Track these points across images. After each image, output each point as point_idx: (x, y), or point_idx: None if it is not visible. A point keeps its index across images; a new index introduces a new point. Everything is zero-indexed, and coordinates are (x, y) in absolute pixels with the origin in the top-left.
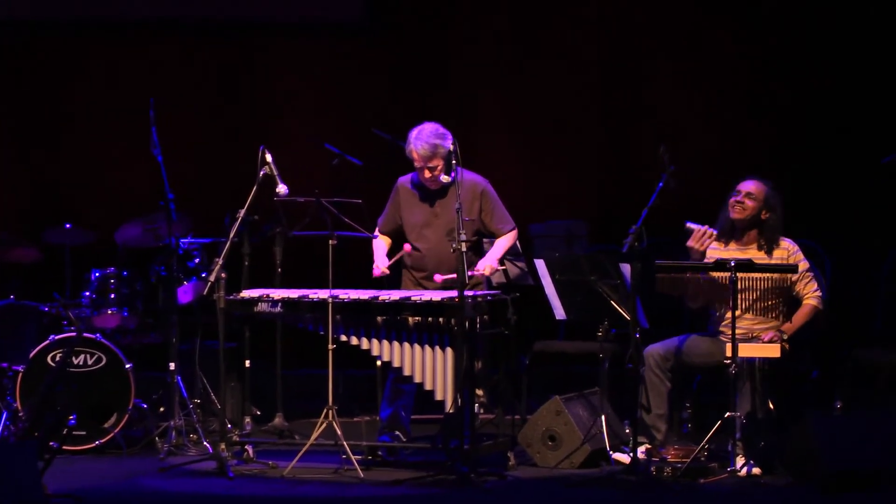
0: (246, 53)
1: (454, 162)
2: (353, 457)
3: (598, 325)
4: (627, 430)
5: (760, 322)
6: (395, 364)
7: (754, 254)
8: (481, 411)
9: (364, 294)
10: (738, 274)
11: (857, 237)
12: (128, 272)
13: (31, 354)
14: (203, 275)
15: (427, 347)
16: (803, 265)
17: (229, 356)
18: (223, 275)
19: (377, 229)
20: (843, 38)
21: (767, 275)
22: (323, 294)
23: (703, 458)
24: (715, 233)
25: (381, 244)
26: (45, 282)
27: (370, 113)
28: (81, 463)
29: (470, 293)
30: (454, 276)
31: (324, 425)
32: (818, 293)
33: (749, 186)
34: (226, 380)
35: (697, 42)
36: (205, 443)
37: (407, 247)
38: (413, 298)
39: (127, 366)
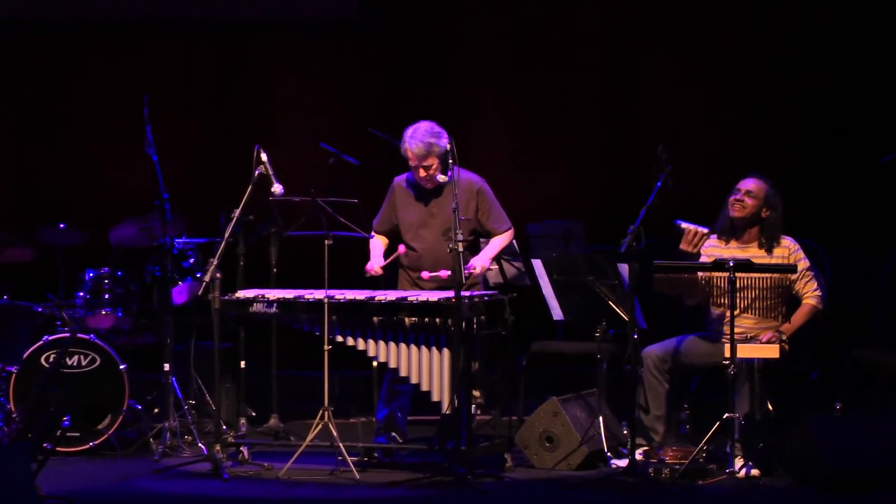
0: (241, 52)
1: (451, 161)
2: (349, 458)
3: (596, 326)
4: (625, 432)
5: (760, 322)
6: (392, 365)
7: (755, 252)
8: (478, 412)
9: (360, 294)
10: (736, 273)
11: (857, 237)
12: (122, 272)
13: (25, 355)
14: (198, 275)
15: (424, 348)
16: (803, 264)
17: (224, 357)
18: (218, 275)
19: (373, 229)
20: (843, 38)
21: (766, 275)
22: (319, 294)
23: (701, 460)
24: (706, 231)
25: (377, 244)
26: (39, 282)
27: (367, 112)
28: (75, 464)
29: (467, 293)
30: (440, 273)
31: (319, 426)
32: (818, 293)
33: (749, 184)
34: (221, 381)
35: (697, 42)
36: (199, 444)
37: (401, 248)
38: (410, 299)
39: (121, 367)
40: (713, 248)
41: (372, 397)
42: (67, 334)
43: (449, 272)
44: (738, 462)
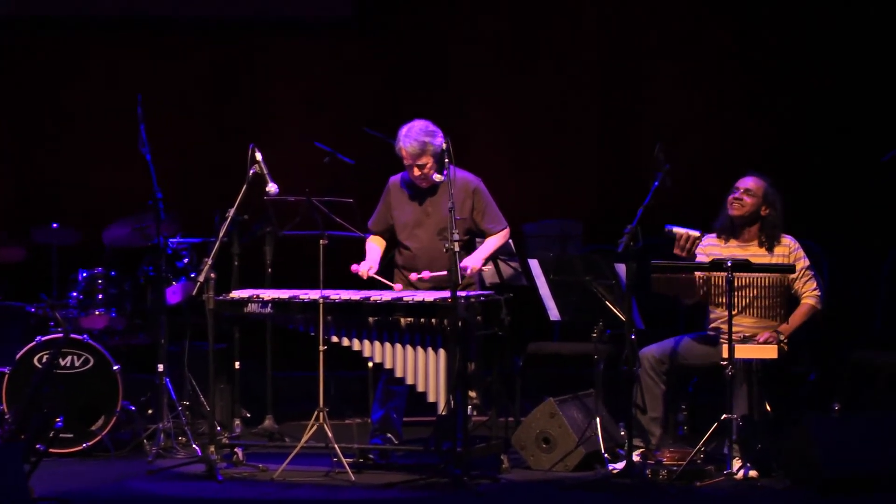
0: (236, 52)
1: (447, 160)
2: (344, 459)
3: (593, 326)
4: (622, 433)
5: (760, 321)
6: (387, 365)
7: (755, 251)
8: (474, 413)
9: (355, 294)
10: (735, 273)
11: (857, 237)
12: (116, 272)
13: (18, 356)
14: (192, 275)
15: (419, 348)
16: (802, 263)
17: (219, 357)
18: (212, 275)
19: (369, 229)
20: (843, 38)
21: (765, 274)
22: (314, 294)
23: (699, 461)
24: (698, 234)
25: (374, 247)
26: (32, 282)
27: (362, 111)
28: (68, 466)
29: (463, 293)
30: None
31: (314, 428)
32: (817, 292)
33: (748, 183)
34: (215, 381)
35: (697, 42)
36: (194, 445)
37: (398, 287)
38: (405, 299)
39: (115, 367)
40: (713, 248)
41: (367, 398)
42: (61, 335)
43: (430, 273)
44: (736, 463)
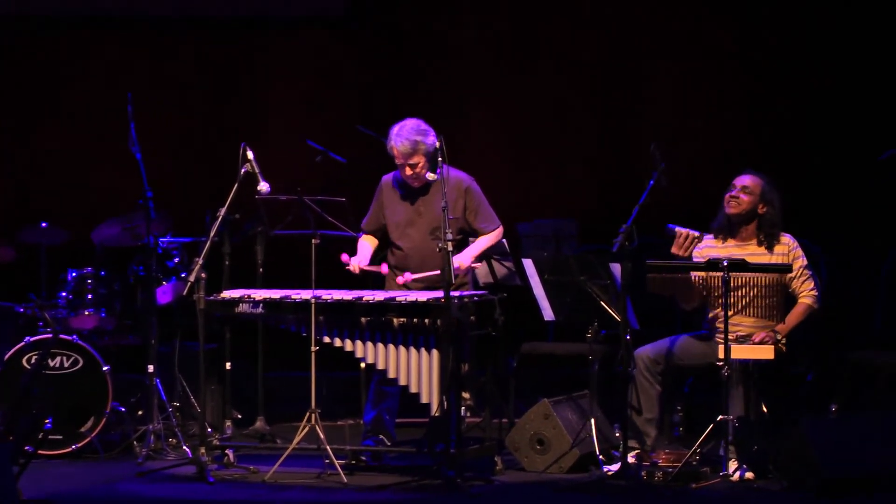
0: (226, 50)
1: (440, 159)
2: (336, 461)
3: (588, 327)
4: (617, 434)
5: (759, 321)
6: (380, 366)
7: (754, 250)
8: (468, 414)
9: (348, 294)
10: (731, 273)
11: (857, 237)
12: (105, 272)
13: (6, 356)
14: (183, 275)
15: (412, 349)
16: (800, 262)
17: (209, 358)
18: (203, 275)
19: (362, 228)
20: (843, 38)
21: (761, 274)
22: (305, 294)
23: (694, 463)
24: (698, 234)
25: (365, 245)
26: (21, 282)
27: (355, 110)
28: (57, 467)
29: (456, 293)
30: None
31: (306, 429)
32: (814, 292)
33: (745, 180)
34: (206, 382)
35: (697, 42)
36: (184, 447)
37: (384, 268)
38: (398, 299)
39: (104, 368)
40: (710, 249)
41: (360, 399)
42: (50, 335)
43: (413, 275)
44: (732, 465)
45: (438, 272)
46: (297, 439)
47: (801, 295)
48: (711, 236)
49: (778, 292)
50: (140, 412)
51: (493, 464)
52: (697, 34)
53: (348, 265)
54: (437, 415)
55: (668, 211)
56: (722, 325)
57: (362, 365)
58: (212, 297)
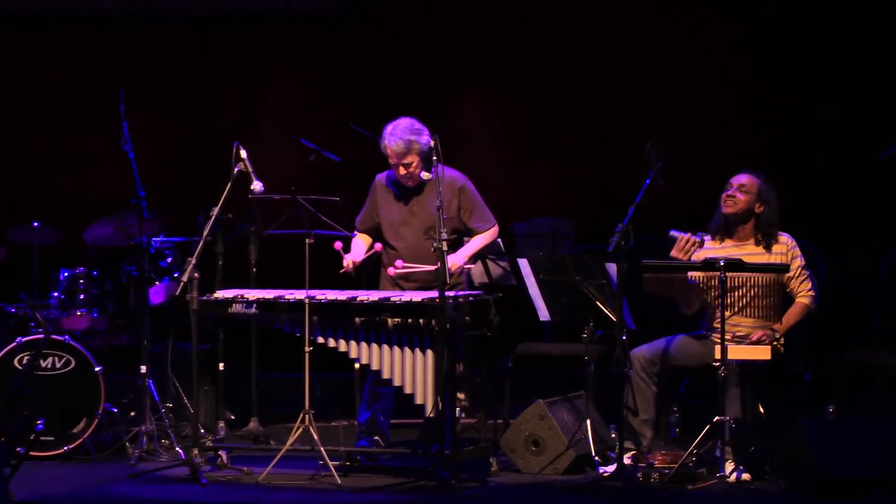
0: (220, 47)
1: (435, 158)
2: (330, 462)
3: (584, 327)
4: (613, 435)
5: (757, 322)
6: (374, 367)
7: (752, 250)
8: (462, 415)
9: (342, 294)
10: (728, 273)
11: (856, 237)
12: (98, 272)
13: None
14: (175, 275)
15: (407, 349)
16: (798, 262)
17: (202, 359)
18: (196, 275)
19: (355, 227)
20: (843, 38)
21: (759, 274)
22: (299, 294)
23: (691, 464)
24: (698, 239)
25: (359, 243)
26: (12, 282)
27: (349, 108)
28: (49, 469)
29: (451, 293)
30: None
31: (300, 430)
32: (812, 293)
33: (741, 179)
34: (199, 383)
35: (697, 42)
36: (177, 448)
37: (378, 246)
38: (392, 299)
39: (97, 369)
40: (707, 250)
41: (354, 400)
42: (41, 335)
43: (403, 263)
44: (729, 466)
45: (429, 267)
46: (290, 440)
47: (799, 295)
48: (708, 238)
49: (776, 292)
50: (132, 413)
51: (489, 465)
52: (697, 34)
53: (343, 259)
54: (431, 416)
55: (667, 211)
56: (719, 325)
57: (356, 365)
58: (205, 298)
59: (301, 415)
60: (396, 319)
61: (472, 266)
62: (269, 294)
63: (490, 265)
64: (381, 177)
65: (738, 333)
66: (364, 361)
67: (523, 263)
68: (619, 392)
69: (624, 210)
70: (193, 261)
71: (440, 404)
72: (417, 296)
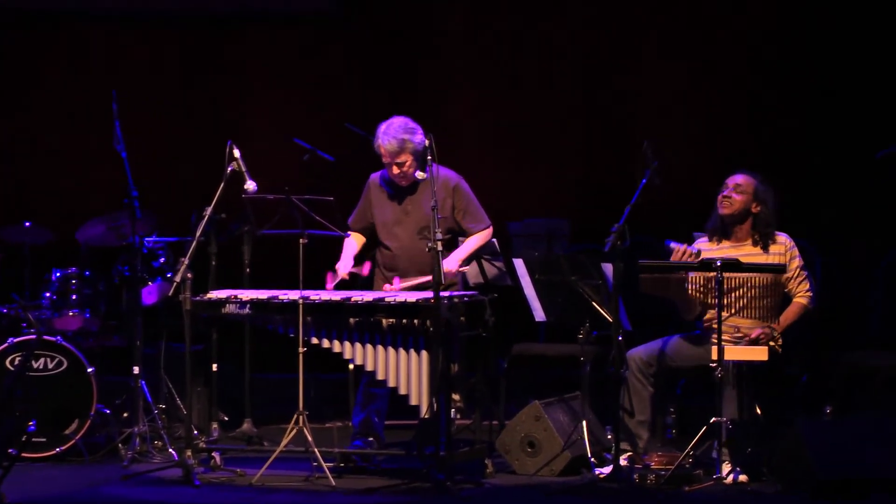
0: (214, 46)
1: (430, 158)
2: (324, 464)
3: (579, 327)
4: (609, 436)
5: (757, 323)
6: (368, 367)
7: (750, 251)
8: (458, 416)
9: (336, 295)
10: (725, 274)
11: (854, 237)
12: (90, 272)
13: None
14: (168, 275)
15: (401, 350)
16: (797, 262)
17: (196, 359)
18: (189, 275)
19: (349, 227)
20: (843, 38)
21: (756, 274)
22: (293, 295)
23: (687, 465)
24: (695, 251)
25: (350, 244)
26: (4, 282)
27: (343, 107)
28: (41, 470)
29: (446, 294)
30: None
31: (294, 431)
32: (810, 293)
33: (737, 179)
34: (192, 384)
35: (697, 42)
36: (170, 450)
37: (365, 269)
38: (387, 299)
39: (89, 370)
40: (705, 252)
41: (348, 401)
42: (33, 336)
43: (400, 281)
44: (726, 468)
45: (426, 279)
46: (284, 442)
47: (798, 295)
48: (705, 239)
49: (775, 293)
50: (125, 414)
51: (484, 466)
52: (697, 34)
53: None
54: (426, 417)
55: (667, 211)
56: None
57: (351, 366)
58: (198, 298)
59: (295, 416)
60: (391, 320)
61: (467, 268)
62: (262, 294)
63: (485, 265)
64: (374, 176)
65: (736, 334)
66: (358, 362)
67: (519, 263)
68: (615, 393)
69: (620, 210)
70: (186, 261)
71: (435, 405)
72: (412, 296)
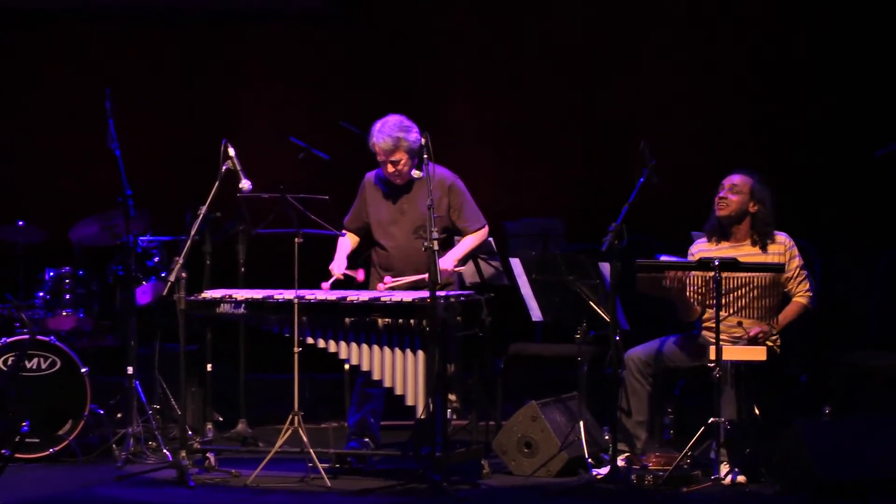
0: (209, 44)
1: (426, 157)
2: (319, 465)
3: (577, 327)
4: (607, 437)
5: (757, 323)
6: (364, 368)
7: (749, 251)
8: (454, 417)
9: (331, 295)
10: (724, 273)
11: (853, 237)
12: (84, 272)
13: None
14: (162, 274)
15: (397, 350)
16: (796, 262)
17: (190, 360)
18: (184, 274)
19: (344, 226)
20: (843, 38)
21: (756, 274)
22: (288, 294)
23: (685, 466)
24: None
25: (344, 243)
26: None
27: (339, 105)
28: (35, 471)
29: (442, 293)
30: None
31: (289, 432)
32: (810, 293)
33: (733, 179)
34: (186, 384)
35: (697, 42)
36: (164, 450)
37: (360, 276)
38: (383, 299)
39: (83, 370)
40: (703, 253)
41: (344, 401)
42: (26, 336)
43: (392, 279)
44: (724, 468)
45: (415, 277)
46: (279, 442)
47: (797, 295)
48: (703, 240)
49: (775, 293)
50: (119, 415)
51: (480, 467)
52: (697, 34)
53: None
54: (422, 417)
55: (666, 211)
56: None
57: (346, 366)
58: (192, 298)
59: (290, 416)
60: (387, 320)
61: (463, 268)
62: (257, 294)
63: (482, 265)
64: (370, 175)
65: (736, 335)
66: (354, 362)
67: (515, 263)
68: (612, 393)
69: (617, 209)
70: (181, 260)
71: (431, 406)
72: (408, 296)
